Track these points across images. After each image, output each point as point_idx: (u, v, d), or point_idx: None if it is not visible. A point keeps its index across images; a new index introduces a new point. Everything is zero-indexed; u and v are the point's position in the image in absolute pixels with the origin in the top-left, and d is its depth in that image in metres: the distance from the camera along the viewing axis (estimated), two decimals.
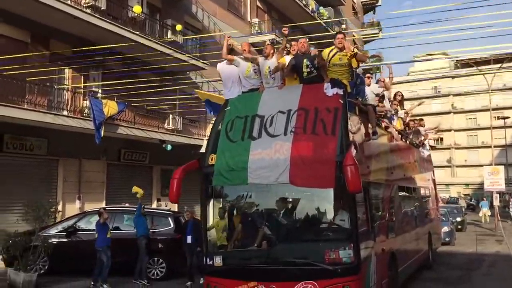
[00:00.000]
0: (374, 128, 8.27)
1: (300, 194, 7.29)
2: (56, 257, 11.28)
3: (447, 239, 18.57)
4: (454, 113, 69.14)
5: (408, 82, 66.97)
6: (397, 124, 11.27)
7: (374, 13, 45.83)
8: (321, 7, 31.24)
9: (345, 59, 7.30)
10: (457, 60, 57.72)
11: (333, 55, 7.35)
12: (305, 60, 7.45)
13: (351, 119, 7.27)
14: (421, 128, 13.64)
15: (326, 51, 7.47)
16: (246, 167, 6.82)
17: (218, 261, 7.05)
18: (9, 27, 14.22)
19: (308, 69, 7.41)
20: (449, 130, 68.49)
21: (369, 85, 8.90)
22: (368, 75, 9.14)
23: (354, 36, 39.89)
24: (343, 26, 34.49)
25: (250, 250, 7.16)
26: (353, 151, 6.29)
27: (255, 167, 6.78)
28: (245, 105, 7.60)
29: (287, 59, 7.82)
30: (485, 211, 32.27)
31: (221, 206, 7.82)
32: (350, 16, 38.62)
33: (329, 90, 7.13)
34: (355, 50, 7.40)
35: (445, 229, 18.67)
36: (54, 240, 11.60)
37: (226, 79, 8.06)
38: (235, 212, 7.85)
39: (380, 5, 46.26)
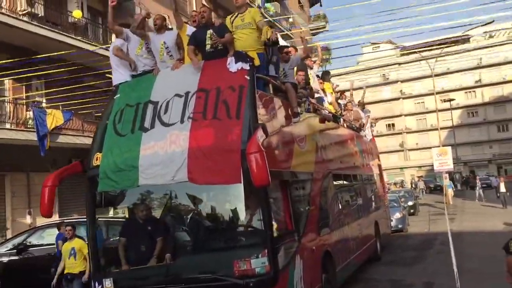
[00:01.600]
0: (295, 109, 7.12)
1: (203, 194, 6.28)
2: (8, 276, 10.86)
3: (399, 226, 17.42)
4: (403, 98, 71.45)
5: (358, 71, 68.69)
6: (329, 106, 10.39)
7: (321, 5, 46.54)
8: (267, 3, 31.43)
9: (247, 18, 6.39)
10: (402, 47, 59.59)
11: (235, 18, 6.51)
12: (208, 31, 6.28)
13: (262, 99, 6.18)
14: (343, 101, 12.42)
15: (227, 18, 6.65)
16: (137, 166, 5.66)
17: (108, 284, 5.81)
18: None
19: (212, 41, 6.23)
20: (400, 116, 70.77)
21: (287, 61, 7.67)
22: (286, 49, 7.92)
23: (302, 29, 40.42)
24: (290, 20, 34.87)
25: (148, 268, 6.00)
26: (260, 137, 5.27)
27: (147, 165, 5.63)
28: (136, 90, 6.37)
29: (189, 29, 6.67)
30: (450, 191, 31.71)
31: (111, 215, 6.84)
32: (296, 9, 39.07)
33: (233, 65, 6.01)
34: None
35: (397, 215, 17.59)
36: (5, 259, 11.15)
37: (114, 60, 6.74)
38: (128, 222, 6.68)
39: None
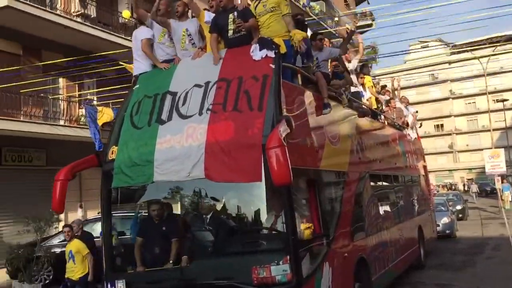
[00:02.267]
0: (325, 100, 6.49)
1: (222, 192, 5.78)
2: (60, 266, 11.32)
3: (447, 231, 16.61)
4: (453, 98, 69.18)
5: (405, 70, 67.00)
6: (372, 100, 9.88)
7: (368, 3, 45.69)
8: (313, 2, 31.20)
9: (269, 3, 5.89)
10: (452, 46, 57.66)
11: (257, 4, 6.01)
12: (230, 15, 5.74)
13: (288, 89, 5.57)
14: (385, 97, 11.60)
15: (251, 4, 6.18)
16: (152, 160, 5.24)
17: (120, 286, 5.50)
18: (1, 41, 14.28)
19: (235, 25, 5.69)
20: (449, 116, 68.56)
21: (321, 49, 7.15)
22: (320, 36, 7.36)
23: (347, 28, 39.89)
24: (336, 19, 34.47)
25: (162, 271, 5.59)
26: (283, 130, 4.66)
27: (163, 160, 5.20)
28: (156, 81, 5.94)
29: (207, 15, 6.19)
30: (506, 194, 29.38)
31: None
32: (342, 8, 38.57)
33: (257, 53, 5.46)
34: None
35: (445, 220, 16.81)
36: (57, 250, 11.64)
37: (135, 49, 6.30)
38: (144, 221, 6.33)
39: None
